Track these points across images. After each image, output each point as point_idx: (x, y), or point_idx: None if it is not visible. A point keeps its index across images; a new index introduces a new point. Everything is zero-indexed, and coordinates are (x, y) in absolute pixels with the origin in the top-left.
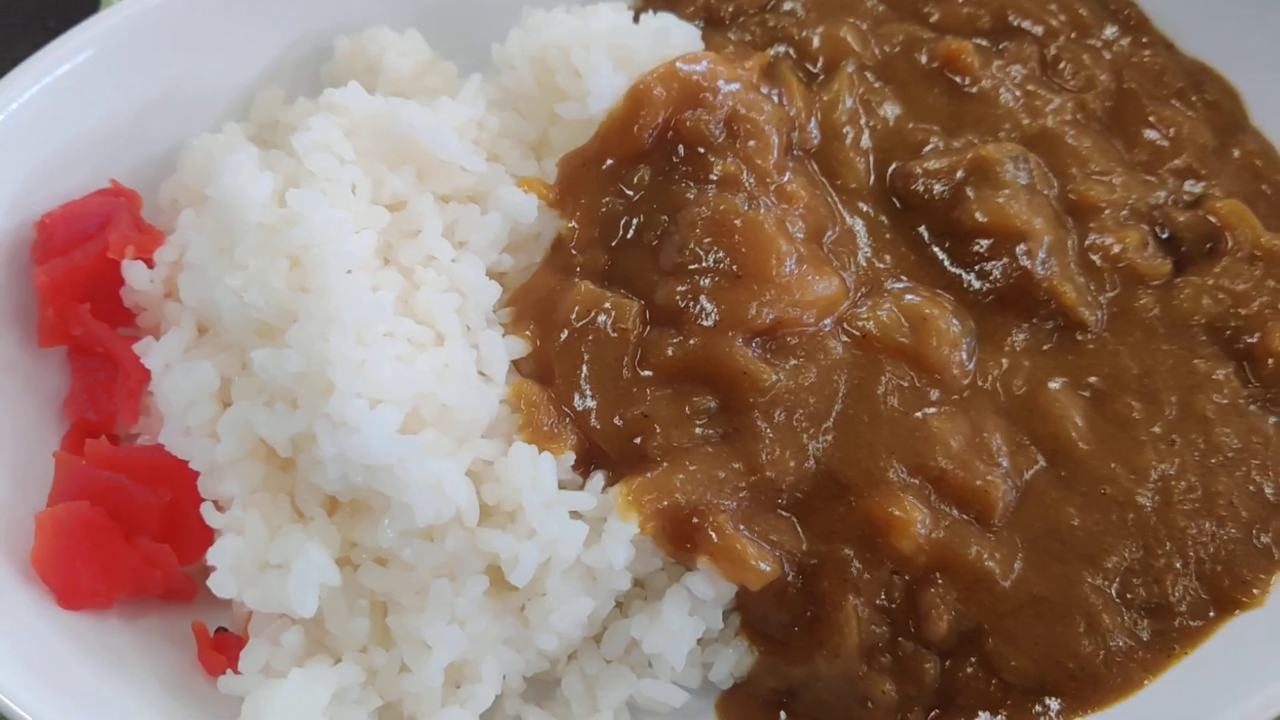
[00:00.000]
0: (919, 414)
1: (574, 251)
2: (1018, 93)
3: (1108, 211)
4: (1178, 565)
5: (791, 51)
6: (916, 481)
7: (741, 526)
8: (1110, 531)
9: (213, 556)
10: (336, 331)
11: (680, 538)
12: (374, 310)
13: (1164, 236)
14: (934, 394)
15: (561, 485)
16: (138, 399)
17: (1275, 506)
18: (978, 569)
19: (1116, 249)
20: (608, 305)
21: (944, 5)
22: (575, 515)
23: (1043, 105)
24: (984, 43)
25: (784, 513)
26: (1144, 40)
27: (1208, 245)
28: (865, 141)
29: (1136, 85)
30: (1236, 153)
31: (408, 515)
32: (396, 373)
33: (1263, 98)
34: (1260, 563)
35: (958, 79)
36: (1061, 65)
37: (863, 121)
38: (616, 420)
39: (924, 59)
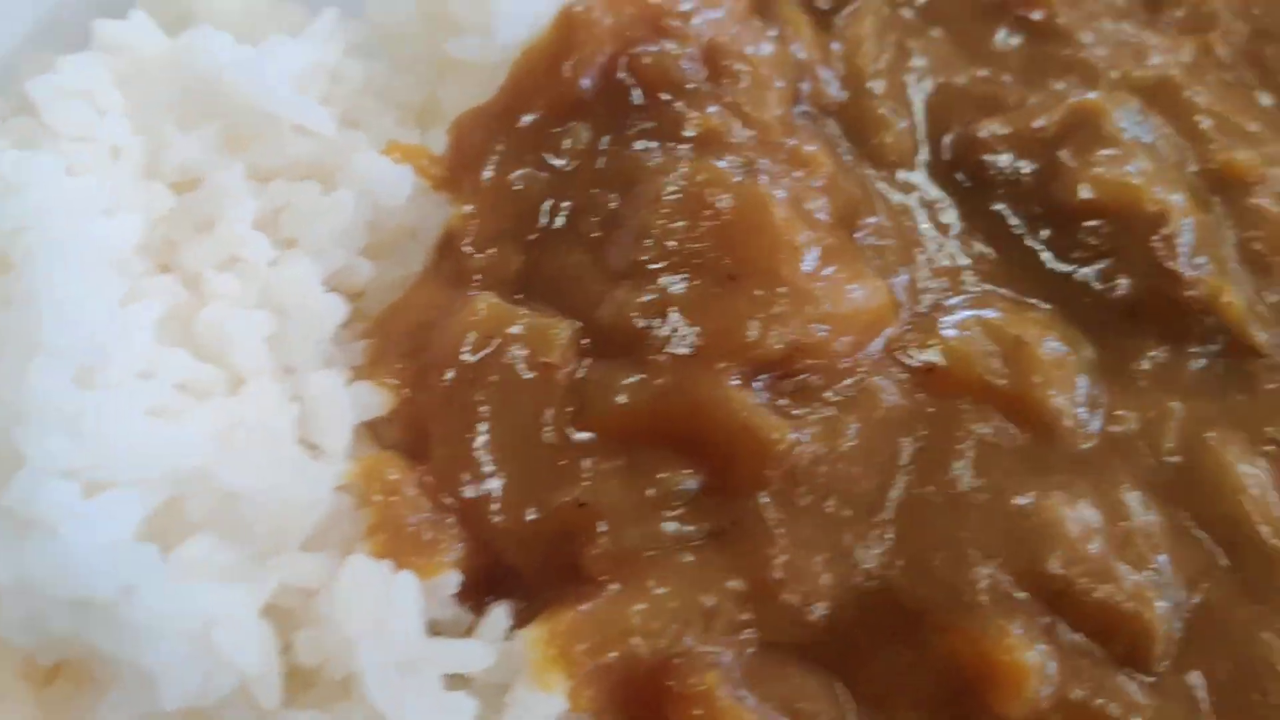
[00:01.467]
0: (1021, 498)
1: (469, 250)
2: (1113, 30)
3: (1261, 186)
4: None
5: None
6: (1026, 599)
7: (744, 692)
8: None
9: None
10: (41, 364)
11: (640, 713)
12: (113, 332)
13: None
14: (1044, 459)
15: (438, 627)
16: None
17: None
18: None
19: None
20: (519, 328)
21: None
22: (457, 681)
23: (1152, 47)
24: None
25: (814, 664)
26: None
27: None
28: (910, 97)
29: (1273, 20)
30: None
31: (145, 691)
32: (143, 435)
33: None
34: None
35: (1030, 15)
36: None
37: (906, 75)
38: (532, 513)
39: None
